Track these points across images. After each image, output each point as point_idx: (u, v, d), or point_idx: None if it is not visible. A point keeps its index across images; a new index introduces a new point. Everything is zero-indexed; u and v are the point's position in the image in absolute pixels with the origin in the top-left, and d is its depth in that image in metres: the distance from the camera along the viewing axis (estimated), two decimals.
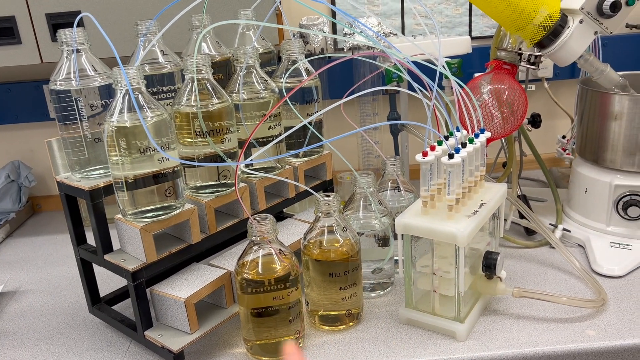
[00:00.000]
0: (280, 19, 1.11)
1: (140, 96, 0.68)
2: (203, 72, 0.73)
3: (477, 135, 0.77)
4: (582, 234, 0.98)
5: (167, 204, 0.72)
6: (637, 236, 0.93)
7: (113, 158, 0.69)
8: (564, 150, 1.20)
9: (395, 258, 0.89)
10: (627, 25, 1.29)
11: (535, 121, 1.11)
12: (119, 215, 0.73)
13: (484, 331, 0.77)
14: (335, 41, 1.25)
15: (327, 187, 0.99)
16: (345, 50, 1.12)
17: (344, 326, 0.80)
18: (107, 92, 0.75)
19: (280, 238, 0.86)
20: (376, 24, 1.04)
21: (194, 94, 0.73)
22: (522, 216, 1.00)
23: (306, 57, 1.07)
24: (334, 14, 1.26)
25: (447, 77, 0.86)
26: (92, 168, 0.78)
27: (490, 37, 1.28)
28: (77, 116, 0.76)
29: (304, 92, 0.90)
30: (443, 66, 0.76)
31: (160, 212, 0.72)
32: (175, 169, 0.71)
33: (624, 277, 0.88)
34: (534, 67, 0.93)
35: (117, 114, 0.67)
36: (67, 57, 0.73)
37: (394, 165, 0.91)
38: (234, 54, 0.81)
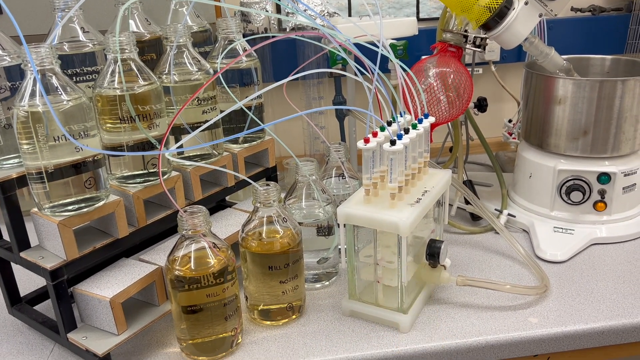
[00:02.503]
0: None
1: (54, 77, 0.62)
2: (127, 51, 0.67)
3: (420, 121, 0.74)
4: (527, 219, 0.97)
5: (88, 196, 0.66)
6: (579, 220, 0.94)
7: (25, 146, 0.62)
8: (510, 134, 1.19)
9: (339, 247, 0.86)
10: (573, 9, 1.29)
11: (482, 105, 1.10)
12: (35, 209, 0.66)
13: (428, 321, 0.75)
14: (279, 20, 1.20)
15: (270, 174, 0.94)
16: (288, 30, 1.07)
17: (285, 320, 0.77)
18: (19, 72, 0.68)
19: (218, 229, 0.82)
20: (319, 4, 0.99)
21: (117, 75, 0.67)
22: (467, 201, 0.98)
23: (248, 37, 1.02)
24: None
25: (391, 60, 0.83)
26: (6, 157, 0.71)
27: (438, 18, 1.26)
28: None
29: (243, 74, 0.84)
30: (385, 48, 0.72)
31: (82, 205, 0.66)
32: (96, 157, 0.65)
33: (567, 262, 0.88)
34: (479, 49, 0.91)
35: (28, 98, 0.60)
36: None
37: (338, 151, 0.87)
38: (163, 32, 0.75)
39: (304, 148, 1.19)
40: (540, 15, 0.86)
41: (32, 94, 0.60)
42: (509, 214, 0.99)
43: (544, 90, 0.94)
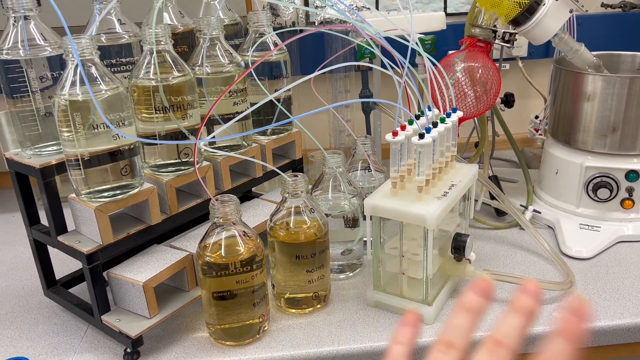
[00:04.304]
0: None
1: (93, 68, 0.64)
2: (162, 43, 0.69)
3: (448, 115, 0.75)
4: (552, 215, 0.97)
5: (123, 183, 0.68)
6: (606, 218, 0.93)
7: (65, 134, 0.64)
8: (537, 130, 1.19)
9: (364, 239, 0.87)
10: (602, 5, 1.27)
11: (509, 101, 1.10)
12: (73, 195, 0.69)
13: None
14: (307, 14, 1.21)
15: (296, 166, 0.96)
16: (316, 24, 1.08)
17: (310, 309, 0.78)
18: (59, 63, 0.70)
19: (247, 219, 0.84)
20: None
21: (153, 66, 0.69)
22: (492, 197, 0.99)
23: (276, 30, 1.03)
24: None
25: (420, 54, 0.83)
26: (45, 144, 0.74)
27: (465, 14, 1.26)
28: (28, 88, 0.71)
29: (272, 67, 0.86)
30: (416, 42, 0.73)
31: (117, 192, 0.68)
32: (132, 146, 0.67)
33: (592, 259, 0.88)
34: (508, 45, 0.91)
35: (69, 87, 0.63)
36: (14, 24, 0.68)
37: (365, 144, 0.88)
38: (197, 25, 0.77)
39: (329, 141, 1.20)
40: (571, 11, 0.85)
41: (73, 84, 0.62)
42: (534, 210, 0.99)
43: (572, 87, 0.94)
